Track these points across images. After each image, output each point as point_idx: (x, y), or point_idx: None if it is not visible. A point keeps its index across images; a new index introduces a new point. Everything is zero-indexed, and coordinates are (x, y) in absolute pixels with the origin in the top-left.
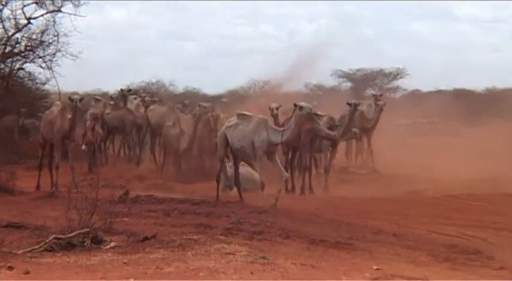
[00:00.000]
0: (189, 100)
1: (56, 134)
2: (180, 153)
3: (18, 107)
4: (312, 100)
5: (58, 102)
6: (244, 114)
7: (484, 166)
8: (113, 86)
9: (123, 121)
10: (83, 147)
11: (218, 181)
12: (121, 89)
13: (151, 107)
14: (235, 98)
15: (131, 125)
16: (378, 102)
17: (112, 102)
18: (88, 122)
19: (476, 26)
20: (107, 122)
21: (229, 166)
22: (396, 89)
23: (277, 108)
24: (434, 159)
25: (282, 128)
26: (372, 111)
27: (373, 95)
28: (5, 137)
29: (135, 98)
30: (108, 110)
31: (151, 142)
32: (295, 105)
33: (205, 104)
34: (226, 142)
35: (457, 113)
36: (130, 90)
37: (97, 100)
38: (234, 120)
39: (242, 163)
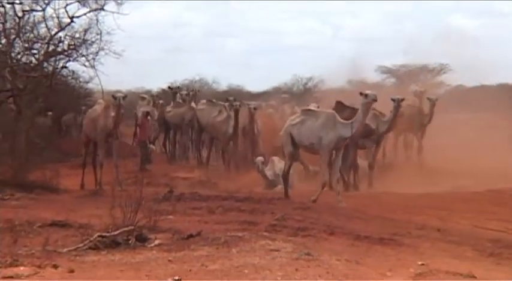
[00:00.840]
0: (233, 97)
1: (100, 132)
2: (227, 136)
3: (61, 105)
4: (355, 97)
5: (101, 101)
6: (310, 110)
7: None
8: (156, 84)
9: (183, 119)
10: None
11: (285, 179)
12: (169, 87)
13: (201, 106)
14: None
15: (191, 123)
16: (431, 97)
17: (161, 101)
18: (140, 121)
19: None
20: (168, 119)
21: (267, 169)
22: (440, 84)
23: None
24: (481, 153)
25: (350, 121)
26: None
27: (414, 91)
28: (59, 135)
29: (184, 94)
30: (169, 108)
31: (197, 140)
32: (360, 93)
33: (252, 102)
34: (292, 140)
35: (504, 108)
36: (178, 87)
37: (143, 98)
38: (298, 116)
39: (278, 158)
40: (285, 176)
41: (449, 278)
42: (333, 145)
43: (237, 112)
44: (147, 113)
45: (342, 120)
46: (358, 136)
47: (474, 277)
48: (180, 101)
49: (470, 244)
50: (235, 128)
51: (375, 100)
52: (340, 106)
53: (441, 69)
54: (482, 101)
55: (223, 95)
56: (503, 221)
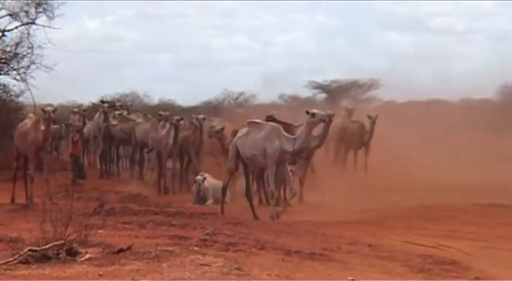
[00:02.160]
0: (167, 112)
1: (30, 145)
2: (168, 150)
3: None
4: (287, 111)
5: (31, 115)
6: (256, 122)
7: (457, 176)
8: (87, 97)
9: (130, 134)
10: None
11: (224, 194)
12: (102, 101)
13: (138, 120)
14: (210, 109)
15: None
16: (371, 115)
17: (118, 113)
18: (71, 135)
19: (451, 37)
20: (114, 134)
21: (197, 179)
22: (371, 99)
23: None
24: (413, 168)
25: (294, 136)
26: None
27: (345, 108)
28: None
29: (117, 109)
30: (114, 122)
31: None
32: (307, 112)
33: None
34: (238, 154)
35: (435, 124)
36: (114, 102)
37: (74, 113)
38: (244, 129)
39: (208, 174)
40: (223, 190)
41: None
42: (276, 156)
43: (177, 127)
44: (79, 128)
45: (286, 134)
46: (299, 152)
47: None
48: (126, 114)
49: (400, 260)
50: (175, 141)
51: (323, 120)
52: (271, 121)
53: (372, 85)
54: (414, 117)
55: (155, 109)
56: (433, 237)
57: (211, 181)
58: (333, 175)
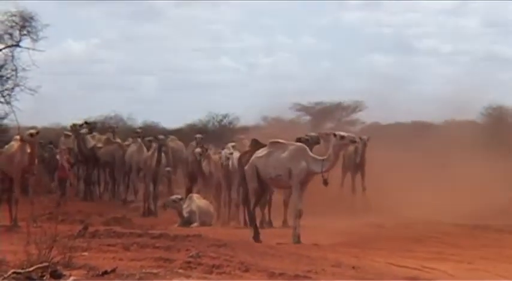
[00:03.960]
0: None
1: (16, 168)
2: (151, 171)
3: None
4: (270, 134)
5: (17, 137)
6: (278, 142)
7: (446, 197)
8: (71, 120)
9: (114, 156)
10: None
11: (253, 217)
12: (85, 122)
13: (126, 142)
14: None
15: (121, 161)
16: (362, 137)
17: (105, 137)
18: (58, 157)
19: (435, 59)
20: (99, 156)
21: (184, 206)
22: (355, 122)
23: (228, 158)
24: (397, 190)
25: (322, 158)
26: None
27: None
28: None
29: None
30: (99, 144)
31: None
32: (334, 134)
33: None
34: (257, 174)
35: (417, 145)
36: (96, 123)
37: (67, 136)
38: (264, 149)
39: (197, 195)
40: (251, 214)
41: None
42: (302, 176)
43: (160, 147)
44: (66, 151)
45: (313, 155)
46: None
47: None
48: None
49: None
50: (158, 162)
51: (354, 142)
52: (255, 144)
53: (356, 107)
54: (398, 139)
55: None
56: (418, 258)
57: (198, 203)
58: (324, 197)
